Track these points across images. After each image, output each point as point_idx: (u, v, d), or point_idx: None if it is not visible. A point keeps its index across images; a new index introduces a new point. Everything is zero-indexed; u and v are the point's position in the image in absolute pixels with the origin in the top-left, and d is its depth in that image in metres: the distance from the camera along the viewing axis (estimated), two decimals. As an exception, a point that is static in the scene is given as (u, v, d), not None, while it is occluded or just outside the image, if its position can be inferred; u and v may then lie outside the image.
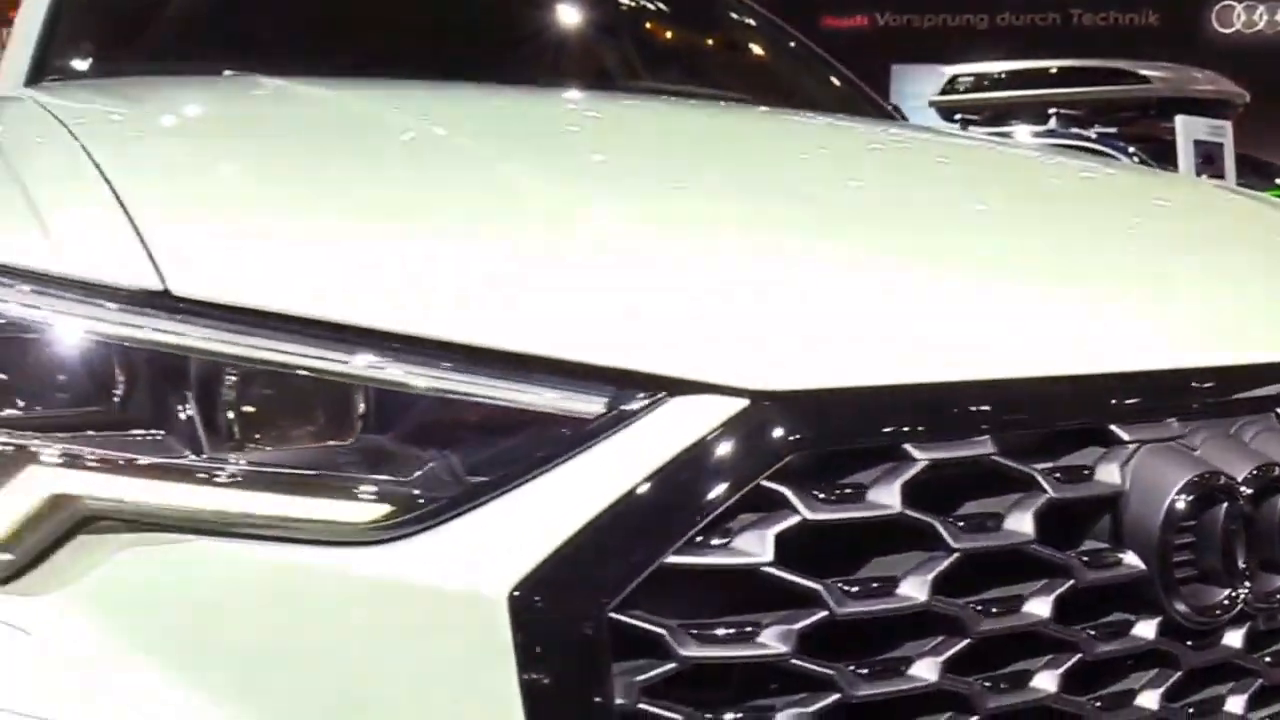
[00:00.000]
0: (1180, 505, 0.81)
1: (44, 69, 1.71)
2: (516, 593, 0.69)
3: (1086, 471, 0.82)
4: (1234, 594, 0.82)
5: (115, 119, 1.30)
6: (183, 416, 0.75)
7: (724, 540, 0.73)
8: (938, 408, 0.78)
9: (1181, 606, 0.81)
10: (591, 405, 0.74)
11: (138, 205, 0.83)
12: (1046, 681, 0.79)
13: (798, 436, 0.74)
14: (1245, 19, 14.06)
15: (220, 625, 0.73)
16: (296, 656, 0.72)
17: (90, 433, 0.75)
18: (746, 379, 0.75)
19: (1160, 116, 5.80)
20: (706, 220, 0.96)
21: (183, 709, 0.72)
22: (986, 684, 0.78)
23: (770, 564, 0.72)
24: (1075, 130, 5.56)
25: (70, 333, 0.77)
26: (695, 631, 0.71)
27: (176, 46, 1.92)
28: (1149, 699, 0.84)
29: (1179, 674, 0.84)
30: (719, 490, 0.72)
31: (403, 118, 1.30)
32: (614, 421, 0.74)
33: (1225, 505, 0.82)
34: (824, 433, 0.75)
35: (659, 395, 0.74)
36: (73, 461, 0.74)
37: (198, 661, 0.73)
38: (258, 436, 0.76)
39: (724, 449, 0.73)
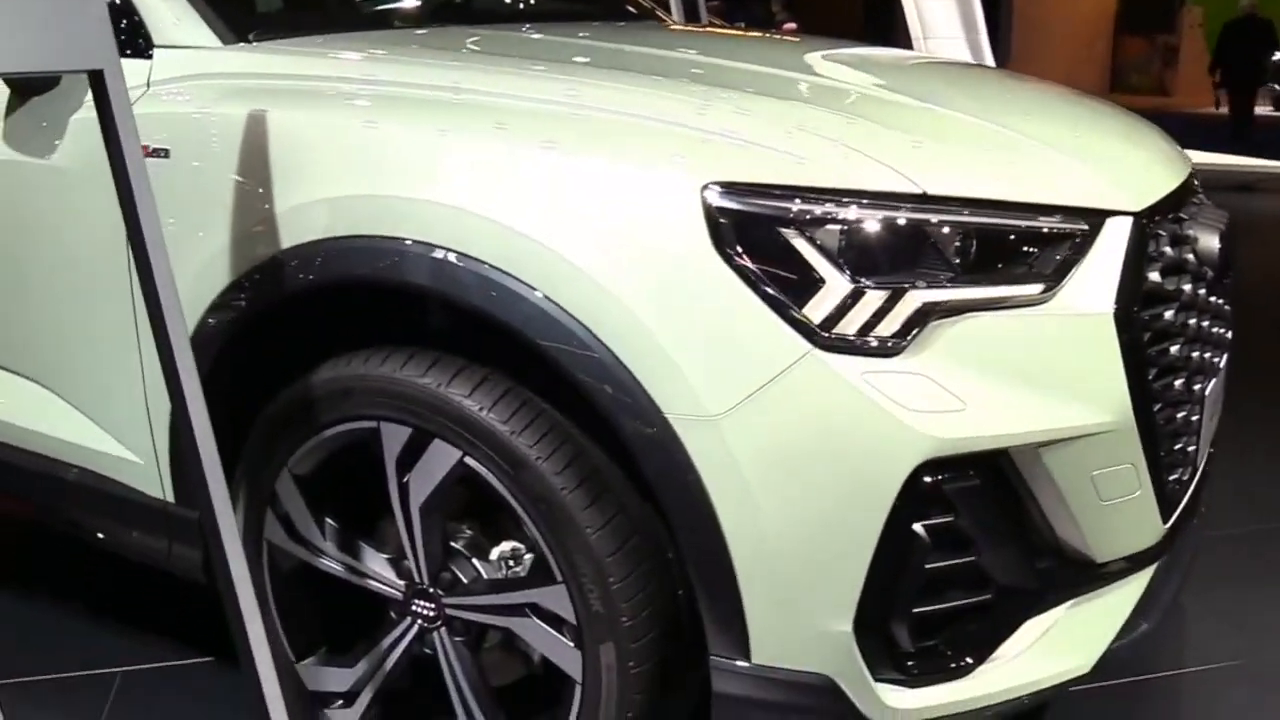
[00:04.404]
0: (1221, 239, 1.85)
1: (238, 29, 1.98)
2: (1114, 309, 1.55)
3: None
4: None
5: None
6: (948, 256, 1.50)
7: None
8: (1162, 207, 1.76)
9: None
10: (1083, 226, 1.60)
11: (865, 146, 1.53)
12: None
13: (1146, 228, 1.67)
14: None
15: (989, 351, 1.51)
16: (1026, 364, 1.52)
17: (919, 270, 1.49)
18: (1132, 206, 1.65)
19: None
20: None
21: (974, 398, 1.50)
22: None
23: (1160, 282, 1.66)
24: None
25: (891, 221, 1.48)
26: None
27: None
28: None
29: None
30: (1139, 253, 1.64)
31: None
32: (1094, 233, 1.61)
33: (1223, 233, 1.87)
34: (1146, 220, 1.68)
35: (1104, 218, 1.62)
36: (924, 285, 1.47)
37: (996, 372, 1.50)
38: (983, 262, 1.52)
39: (1135, 239, 1.63)
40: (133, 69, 1.92)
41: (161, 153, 1.83)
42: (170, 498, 2.02)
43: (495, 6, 2.89)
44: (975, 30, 9.75)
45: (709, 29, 3.54)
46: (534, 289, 1.52)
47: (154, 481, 2.03)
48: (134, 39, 1.96)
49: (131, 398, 1.99)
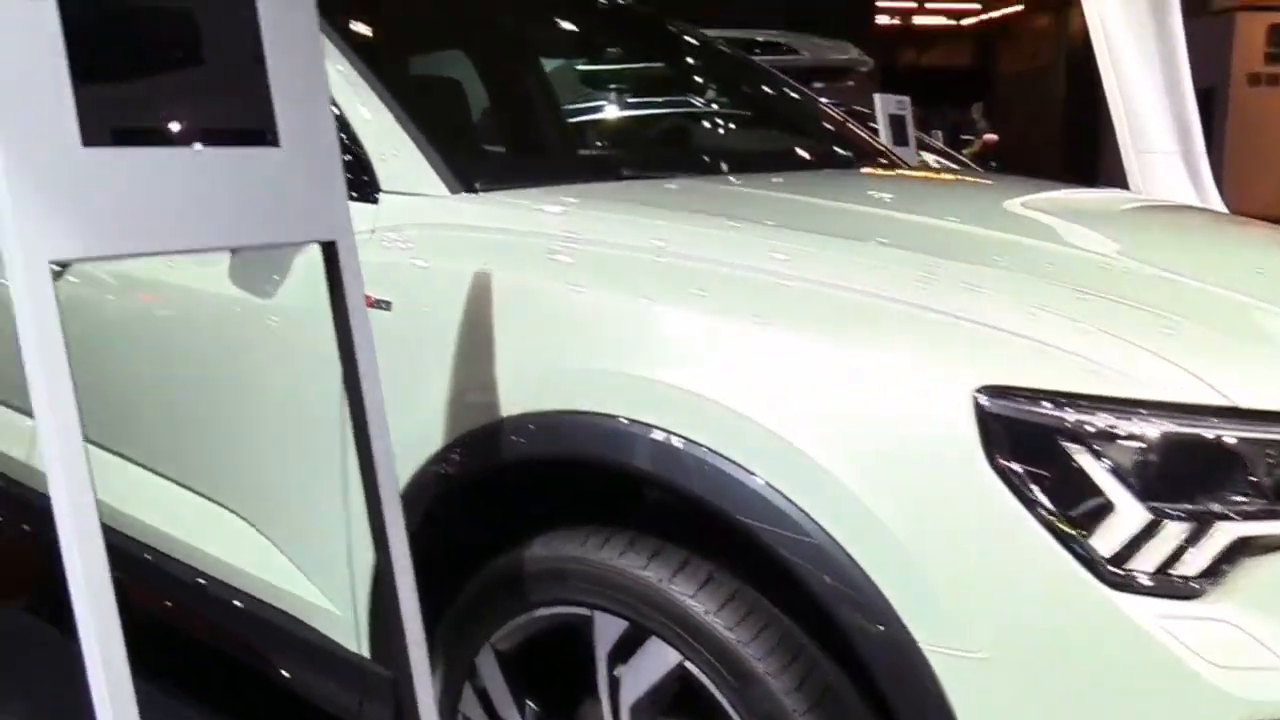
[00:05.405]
0: None
1: (465, 177, 1.92)
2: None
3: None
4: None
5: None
6: (1261, 481, 1.29)
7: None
8: None
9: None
10: None
11: (1159, 346, 1.34)
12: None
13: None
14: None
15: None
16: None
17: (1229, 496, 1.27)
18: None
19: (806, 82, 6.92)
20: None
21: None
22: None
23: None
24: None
25: (1197, 439, 1.28)
26: None
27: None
28: None
29: None
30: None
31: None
32: None
33: None
34: None
35: None
36: (1235, 515, 1.26)
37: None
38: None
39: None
40: (357, 213, 1.88)
41: (384, 304, 1.78)
42: (366, 652, 1.93)
43: (724, 148, 2.79)
44: (1192, 143, 9.23)
45: (936, 175, 3.35)
46: (775, 487, 1.38)
47: (350, 634, 1.95)
48: (359, 182, 1.92)
49: (334, 546, 1.92)
